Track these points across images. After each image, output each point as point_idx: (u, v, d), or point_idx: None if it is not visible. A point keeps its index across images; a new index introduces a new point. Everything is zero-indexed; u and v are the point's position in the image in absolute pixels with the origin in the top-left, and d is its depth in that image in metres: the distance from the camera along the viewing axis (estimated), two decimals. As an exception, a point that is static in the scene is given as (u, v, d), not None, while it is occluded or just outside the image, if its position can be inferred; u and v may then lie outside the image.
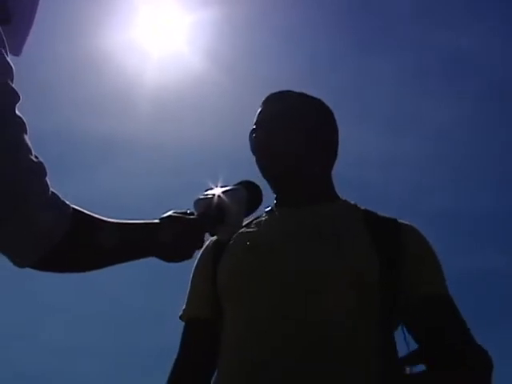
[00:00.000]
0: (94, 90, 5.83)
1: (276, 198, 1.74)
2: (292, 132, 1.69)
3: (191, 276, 1.72)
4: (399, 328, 1.60)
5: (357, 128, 5.76)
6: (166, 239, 1.30)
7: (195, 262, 1.72)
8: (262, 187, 1.55)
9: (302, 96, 1.77)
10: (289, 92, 1.77)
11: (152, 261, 1.36)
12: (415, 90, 6.61)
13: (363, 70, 6.47)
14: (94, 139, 5.99)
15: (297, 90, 1.79)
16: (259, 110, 1.76)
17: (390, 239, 1.59)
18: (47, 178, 1.10)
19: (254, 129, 1.74)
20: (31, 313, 6.16)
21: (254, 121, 1.75)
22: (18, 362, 5.93)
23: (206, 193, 1.45)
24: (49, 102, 5.66)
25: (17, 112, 1.06)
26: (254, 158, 1.74)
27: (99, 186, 6.09)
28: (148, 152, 6.17)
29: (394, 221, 1.65)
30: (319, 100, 1.78)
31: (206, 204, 1.42)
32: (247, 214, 1.52)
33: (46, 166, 1.11)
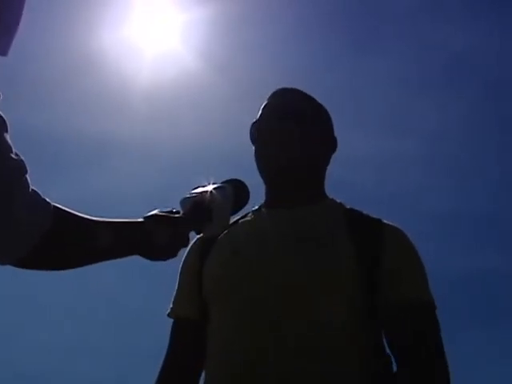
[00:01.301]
0: (88, 89, 5.81)
1: (267, 196, 1.73)
2: (297, 127, 1.69)
3: (178, 274, 1.72)
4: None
5: (352, 128, 5.75)
6: (150, 238, 1.29)
7: (182, 260, 1.72)
8: (249, 186, 1.53)
9: (305, 94, 1.78)
10: (294, 89, 1.78)
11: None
12: (411, 91, 6.61)
13: (359, 70, 6.47)
14: (87, 138, 5.96)
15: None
16: (265, 103, 1.77)
17: (372, 240, 1.58)
18: (27, 176, 1.09)
19: (258, 120, 1.75)
20: (29, 313, 6.15)
21: (259, 113, 1.76)
22: (17, 362, 5.92)
23: (192, 191, 1.44)
24: (42, 100, 5.65)
25: None
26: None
27: (93, 186, 6.07)
28: (142, 151, 6.16)
29: (378, 221, 1.64)
30: (319, 102, 1.79)
31: (192, 202, 1.41)
32: (234, 213, 1.51)
33: (27, 163, 1.10)
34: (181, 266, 1.72)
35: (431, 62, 6.61)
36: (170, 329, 1.71)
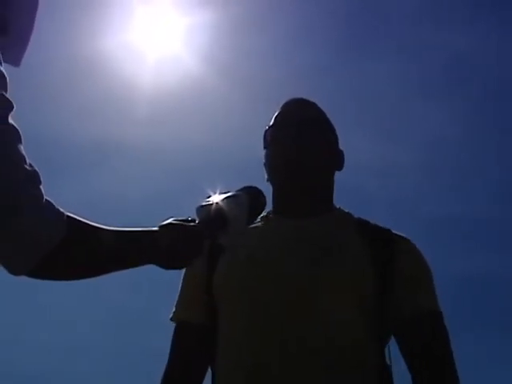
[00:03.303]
0: (91, 93, 5.82)
1: (276, 204, 1.75)
2: (316, 137, 1.72)
3: (182, 278, 1.72)
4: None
5: (353, 131, 5.75)
6: (165, 247, 1.28)
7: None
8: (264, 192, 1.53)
9: (317, 106, 1.81)
10: (306, 99, 1.81)
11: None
12: (412, 93, 6.61)
13: (360, 73, 6.47)
14: (90, 142, 5.98)
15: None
16: (280, 111, 1.79)
17: (384, 250, 1.61)
18: (41, 186, 1.09)
19: (274, 126, 1.76)
20: (30, 314, 6.15)
21: (274, 120, 1.78)
22: (17, 363, 5.92)
23: (207, 199, 1.43)
24: (45, 104, 5.66)
25: (10, 121, 1.05)
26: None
27: (95, 190, 6.08)
28: (144, 155, 6.17)
29: (388, 231, 1.67)
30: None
31: (207, 211, 1.40)
32: (250, 221, 1.50)
33: (41, 173, 1.09)
34: (184, 270, 1.71)
35: (432, 64, 6.62)
36: (169, 330, 1.70)
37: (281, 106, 1.80)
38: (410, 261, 1.62)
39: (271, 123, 1.78)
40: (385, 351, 1.59)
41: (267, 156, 1.76)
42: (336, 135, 1.81)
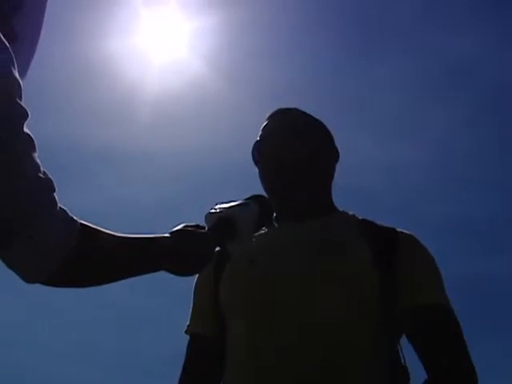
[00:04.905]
0: (95, 97, 5.84)
1: (277, 212, 1.74)
2: (301, 143, 1.72)
3: (193, 290, 1.75)
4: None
5: (357, 134, 5.76)
6: (176, 253, 1.29)
7: (196, 276, 1.73)
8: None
9: (306, 113, 1.81)
10: (294, 108, 1.81)
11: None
12: (416, 96, 6.62)
13: (364, 76, 6.49)
14: (94, 146, 5.99)
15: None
16: (265, 124, 1.79)
17: (388, 249, 1.61)
18: (55, 194, 1.10)
19: (259, 141, 1.77)
20: (31, 314, 6.16)
21: (260, 134, 1.78)
22: (18, 363, 5.93)
23: (216, 207, 1.45)
24: (49, 108, 5.67)
25: (25, 129, 1.06)
26: (254, 170, 1.76)
27: (99, 194, 6.09)
28: (148, 159, 6.18)
29: (393, 230, 1.67)
30: (316, 118, 1.82)
31: (217, 218, 1.41)
32: (258, 228, 1.52)
33: (55, 181, 1.10)
34: (195, 282, 1.74)
35: (435, 65, 6.62)
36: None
37: (266, 118, 1.80)
38: (413, 257, 1.62)
39: (257, 139, 1.78)
40: (391, 351, 1.59)
41: (258, 174, 1.77)
42: (327, 135, 1.80)
